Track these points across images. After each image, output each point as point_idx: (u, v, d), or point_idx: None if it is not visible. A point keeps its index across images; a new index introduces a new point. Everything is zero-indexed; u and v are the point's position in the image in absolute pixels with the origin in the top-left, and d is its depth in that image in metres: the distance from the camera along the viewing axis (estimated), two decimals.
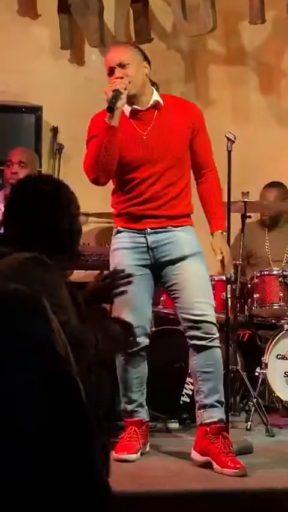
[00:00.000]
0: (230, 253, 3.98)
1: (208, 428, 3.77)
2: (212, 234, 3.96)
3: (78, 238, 2.66)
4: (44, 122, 5.87)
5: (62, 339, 1.80)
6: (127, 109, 3.85)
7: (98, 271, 3.06)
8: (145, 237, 3.88)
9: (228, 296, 4.36)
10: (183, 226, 3.91)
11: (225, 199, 4.18)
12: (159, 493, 3.32)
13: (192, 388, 4.28)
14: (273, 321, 5.19)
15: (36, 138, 5.81)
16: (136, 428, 3.95)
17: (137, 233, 3.89)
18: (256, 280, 5.01)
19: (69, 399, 1.66)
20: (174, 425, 4.62)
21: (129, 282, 2.98)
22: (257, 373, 4.77)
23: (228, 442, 3.76)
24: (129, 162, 3.84)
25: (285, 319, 4.98)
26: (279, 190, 5.68)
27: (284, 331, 4.87)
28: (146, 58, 3.90)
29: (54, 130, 6.02)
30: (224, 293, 4.44)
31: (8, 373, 1.56)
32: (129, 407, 3.97)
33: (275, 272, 5.03)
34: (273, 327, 5.16)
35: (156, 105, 3.89)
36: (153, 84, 3.95)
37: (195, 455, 3.80)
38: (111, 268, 3.92)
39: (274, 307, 5.01)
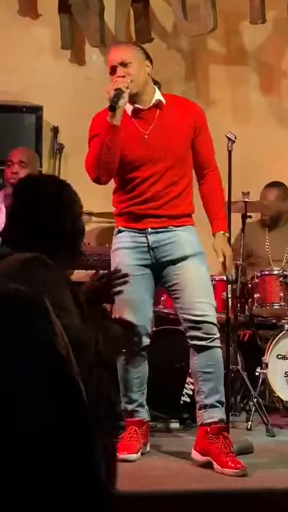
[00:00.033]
0: (232, 254, 3.98)
1: (209, 428, 3.77)
2: (213, 235, 3.95)
3: (81, 238, 2.66)
4: (44, 121, 5.87)
5: (64, 340, 1.80)
6: (129, 108, 3.84)
7: (94, 271, 3.05)
8: (146, 236, 3.88)
9: (229, 296, 4.36)
10: (184, 226, 3.90)
11: (226, 199, 4.18)
12: (159, 493, 3.32)
13: (193, 388, 4.28)
14: (273, 321, 5.19)
15: (37, 138, 5.81)
16: (136, 428, 3.95)
17: (138, 233, 3.89)
18: (256, 280, 5.01)
19: (70, 399, 1.66)
20: (174, 425, 4.62)
21: (125, 282, 2.97)
22: (257, 373, 4.77)
23: (229, 442, 3.76)
24: (131, 161, 3.84)
25: (285, 319, 4.98)
26: (279, 190, 5.68)
27: (284, 331, 4.87)
28: (148, 57, 3.90)
29: (55, 130, 6.02)
30: (224, 293, 4.45)
31: (8, 373, 1.56)
32: (130, 407, 3.97)
33: (275, 272, 5.03)
34: (274, 326, 5.16)
35: (158, 105, 3.88)
36: (156, 83, 3.94)
37: (196, 455, 3.80)
38: (112, 268, 3.92)
39: (274, 307, 5.01)
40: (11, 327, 1.63)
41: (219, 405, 3.81)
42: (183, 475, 3.62)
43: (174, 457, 3.93)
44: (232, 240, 4.24)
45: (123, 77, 3.74)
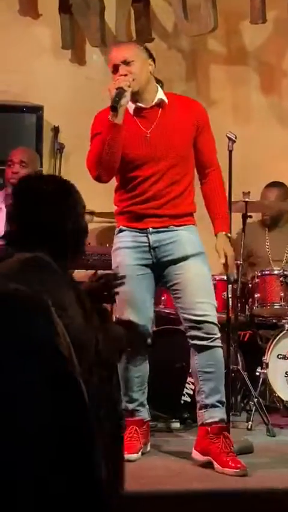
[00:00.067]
0: (233, 255, 3.98)
1: (209, 428, 3.77)
2: (215, 235, 3.95)
3: (85, 238, 2.65)
4: (45, 121, 5.87)
5: (66, 341, 1.80)
6: (131, 106, 3.83)
7: (93, 271, 3.05)
8: (147, 236, 3.87)
9: (229, 296, 4.36)
10: (186, 225, 3.90)
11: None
12: (160, 492, 3.32)
13: (193, 388, 4.28)
14: (274, 321, 5.19)
15: (37, 137, 5.81)
16: (137, 428, 3.95)
17: (139, 232, 3.89)
18: (257, 280, 5.01)
19: (71, 399, 1.66)
20: (175, 425, 4.62)
21: (123, 283, 2.97)
22: (257, 373, 4.77)
23: (229, 441, 3.76)
24: (132, 159, 3.83)
25: (286, 319, 4.98)
26: (280, 190, 5.68)
27: (284, 331, 4.87)
28: (150, 55, 3.88)
29: (55, 130, 6.02)
30: (224, 293, 4.45)
31: (9, 373, 1.56)
32: (130, 406, 3.97)
33: (275, 272, 5.03)
34: (274, 326, 5.16)
35: (160, 103, 3.87)
36: (158, 81, 3.94)
37: (196, 454, 3.80)
38: (113, 267, 3.93)
39: (275, 306, 5.01)
40: (11, 327, 1.63)
41: (220, 405, 3.81)
42: (183, 474, 3.62)
43: (174, 456, 3.93)
44: (232, 240, 4.24)
45: (126, 75, 3.73)
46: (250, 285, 5.06)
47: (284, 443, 4.33)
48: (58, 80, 6.05)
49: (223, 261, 3.89)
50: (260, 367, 4.79)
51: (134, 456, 3.83)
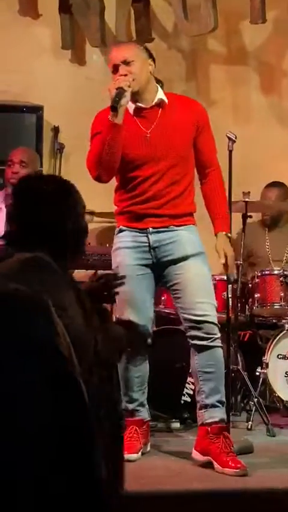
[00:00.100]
0: (234, 255, 3.98)
1: (209, 428, 3.77)
2: (215, 235, 3.95)
3: (85, 238, 2.65)
4: (45, 121, 5.87)
5: (66, 341, 1.79)
6: (131, 106, 3.83)
7: (93, 271, 3.06)
8: (147, 236, 3.87)
9: (229, 296, 4.36)
10: (186, 225, 3.90)
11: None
12: (160, 492, 3.32)
13: (193, 388, 4.28)
14: (274, 321, 5.19)
15: (37, 137, 5.81)
16: (137, 428, 3.95)
17: (139, 232, 3.88)
18: (257, 280, 5.02)
19: (71, 399, 1.65)
20: (175, 425, 4.62)
21: (123, 283, 2.97)
22: (257, 373, 4.77)
23: (229, 441, 3.76)
24: (132, 159, 3.83)
25: (286, 319, 4.98)
26: (280, 190, 5.68)
27: (284, 331, 4.87)
28: (150, 55, 3.88)
29: (55, 130, 6.03)
30: (224, 293, 4.45)
31: (8, 373, 1.56)
32: (130, 406, 3.97)
33: (275, 272, 5.03)
34: (274, 326, 5.16)
35: (160, 103, 3.87)
36: (158, 81, 3.93)
37: (196, 454, 3.80)
38: (113, 267, 3.93)
39: (275, 306, 5.01)
40: (11, 326, 1.63)
41: (220, 405, 3.81)
42: (183, 474, 3.62)
43: (174, 456, 3.93)
44: (232, 240, 4.24)
45: (126, 75, 3.73)
46: (250, 285, 5.06)
47: (284, 443, 4.33)
48: (58, 80, 6.05)
49: (223, 261, 3.89)
50: (260, 367, 4.79)
51: (134, 456, 3.83)
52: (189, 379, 4.60)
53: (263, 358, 4.81)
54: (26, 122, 5.84)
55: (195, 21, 5.67)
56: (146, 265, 3.88)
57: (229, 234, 3.97)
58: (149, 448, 4.02)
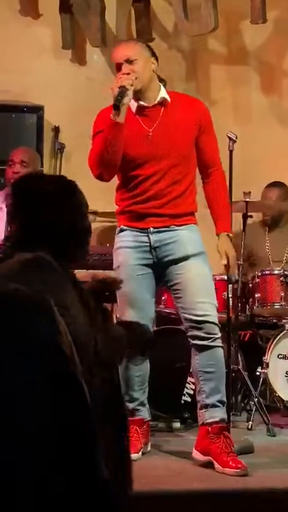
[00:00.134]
0: (235, 255, 3.98)
1: (210, 428, 3.77)
2: (217, 235, 3.95)
3: (88, 237, 2.64)
4: (45, 121, 5.87)
5: (68, 340, 1.79)
6: (133, 105, 3.82)
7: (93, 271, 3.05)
8: (148, 236, 3.87)
9: (230, 296, 4.36)
10: (186, 224, 3.89)
11: None
12: (160, 492, 3.32)
13: (194, 388, 4.28)
14: (274, 321, 5.19)
15: (38, 137, 5.81)
16: (137, 428, 3.95)
17: (140, 232, 3.88)
18: (257, 280, 5.02)
19: (73, 399, 1.65)
20: (175, 424, 4.62)
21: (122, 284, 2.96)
22: (258, 373, 4.78)
23: (230, 441, 3.76)
24: (134, 158, 3.82)
25: (286, 319, 4.98)
26: (280, 190, 5.68)
27: (285, 331, 4.87)
28: (153, 54, 3.87)
29: (56, 130, 6.03)
30: (225, 293, 4.45)
31: (8, 373, 1.56)
32: (131, 405, 3.96)
33: (276, 272, 5.03)
34: (275, 326, 5.16)
35: (163, 102, 3.86)
36: (161, 80, 3.93)
37: (197, 454, 3.80)
38: (114, 267, 3.93)
39: (275, 306, 5.01)
40: (11, 326, 1.63)
41: (221, 405, 3.81)
42: (184, 474, 3.62)
43: (175, 456, 3.93)
44: (233, 240, 4.24)
45: (128, 74, 3.72)
46: (250, 285, 5.06)
47: (285, 443, 4.33)
48: (58, 80, 6.05)
49: (225, 262, 3.90)
50: (260, 367, 4.79)
51: (134, 456, 3.81)
52: (189, 379, 4.60)
53: (264, 358, 4.81)
54: (27, 121, 5.84)
55: (195, 21, 5.67)
56: (146, 265, 3.87)
57: (231, 235, 3.96)
58: (149, 448, 4.03)
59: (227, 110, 6.08)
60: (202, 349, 3.79)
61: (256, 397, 4.61)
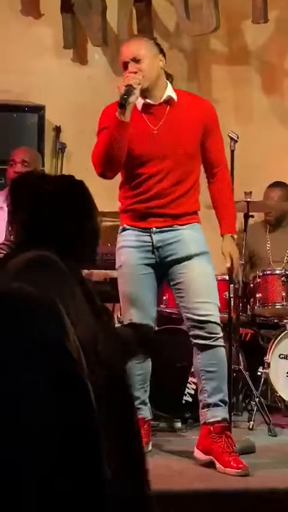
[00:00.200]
0: (239, 256, 3.99)
1: (211, 428, 3.77)
2: (222, 236, 3.95)
3: (96, 237, 2.63)
4: (46, 121, 5.87)
5: (76, 345, 1.79)
6: (139, 102, 3.79)
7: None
8: (150, 235, 3.86)
9: (231, 296, 4.36)
10: (189, 223, 3.88)
11: None
12: (161, 492, 3.31)
13: (195, 388, 4.28)
14: (275, 321, 5.19)
15: (39, 137, 5.81)
16: None
17: (142, 232, 3.87)
18: (259, 280, 5.01)
19: (77, 400, 1.65)
20: (176, 424, 4.62)
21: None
22: (259, 373, 4.78)
23: (232, 441, 3.75)
24: (138, 156, 3.81)
25: (287, 319, 4.98)
26: (282, 190, 5.68)
27: (286, 331, 4.87)
28: (161, 51, 3.86)
29: (57, 130, 6.02)
30: (226, 293, 4.44)
31: (13, 373, 1.55)
32: None
33: (277, 272, 5.03)
34: (276, 326, 5.16)
35: (169, 101, 3.85)
36: (169, 76, 3.91)
37: (198, 453, 3.80)
38: (116, 266, 3.92)
39: (276, 306, 5.01)
40: (15, 325, 1.62)
41: (223, 404, 3.80)
42: (185, 474, 3.62)
43: (176, 456, 3.94)
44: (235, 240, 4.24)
45: (135, 72, 3.71)
46: (252, 285, 5.06)
47: (286, 443, 4.33)
48: (60, 80, 6.05)
49: (229, 265, 3.91)
50: (261, 367, 4.79)
51: None
52: (190, 378, 4.60)
53: (265, 358, 4.81)
54: (28, 121, 5.84)
55: (197, 21, 5.67)
56: (149, 265, 3.87)
57: (235, 236, 3.96)
58: (150, 448, 4.02)
59: (228, 110, 6.07)
60: (204, 348, 3.78)
61: (257, 397, 4.61)
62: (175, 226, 3.86)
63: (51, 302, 1.74)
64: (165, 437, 4.35)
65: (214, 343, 3.78)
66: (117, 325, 3.63)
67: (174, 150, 3.80)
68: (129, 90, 3.63)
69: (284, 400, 4.81)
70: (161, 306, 4.84)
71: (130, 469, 1.94)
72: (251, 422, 4.56)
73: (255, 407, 4.59)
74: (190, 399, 4.62)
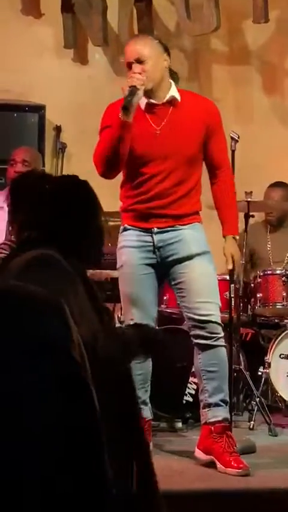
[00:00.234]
0: (240, 258, 3.99)
1: (212, 427, 3.77)
2: (224, 237, 3.94)
3: (100, 237, 2.62)
4: (47, 120, 5.87)
5: (81, 351, 1.78)
6: (143, 102, 3.78)
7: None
8: (151, 236, 3.85)
9: (232, 295, 4.36)
10: (190, 223, 3.88)
11: None
12: (162, 492, 3.31)
13: (195, 388, 4.27)
14: (276, 321, 5.19)
15: (40, 137, 5.81)
16: None
17: (144, 232, 3.87)
18: (259, 280, 5.01)
19: (80, 400, 1.65)
20: (177, 424, 4.61)
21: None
22: (260, 373, 4.78)
23: (232, 441, 3.75)
24: (140, 156, 3.80)
25: None
26: (283, 190, 5.67)
27: (287, 331, 4.87)
28: (166, 49, 3.85)
29: (58, 129, 6.03)
30: (227, 292, 4.44)
31: (15, 373, 1.55)
32: None
33: (278, 272, 5.03)
34: (276, 326, 5.16)
35: (172, 101, 3.83)
36: (174, 73, 3.89)
37: (199, 453, 3.80)
38: (117, 266, 3.92)
39: (277, 306, 5.01)
40: (17, 324, 1.62)
41: (223, 404, 3.80)
42: (185, 474, 3.62)
43: (177, 456, 3.93)
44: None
45: (139, 73, 3.69)
46: (252, 285, 5.06)
47: (286, 443, 4.33)
48: (60, 79, 6.05)
49: (230, 267, 3.91)
50: (262, 367, 4.79)
51: None
52: (191, 378, 4.59)
53: (265, 358, 4.81)
54: (28, 121, 5.84)
55: (197, 21, 5.67)
56: (150, 265, 3.86)
57: (237, 237, 3.96)
58: (151, 447, 4.01)
59: (229, 110, 6.06)
60: (205, 348, 3.78)
61: (258, 397, 4.61)
62: (176, 226, 3.85)
63: (56, 301, 1.73)
64: (166, 437, 4.35)
65: (215, 343, 3.77)
66: (117, 325, 3.64)
67: (177, 150, 3.79)
68: (133, 91, 3.61)
69: (284, 400, 4.80)
70: (162, 306, 4.84)
71: (135, 469, 1.94)
72: (252, 422, 4.56)
73: (256, 407, 4.59)
74: (191, 399, 4.62)
